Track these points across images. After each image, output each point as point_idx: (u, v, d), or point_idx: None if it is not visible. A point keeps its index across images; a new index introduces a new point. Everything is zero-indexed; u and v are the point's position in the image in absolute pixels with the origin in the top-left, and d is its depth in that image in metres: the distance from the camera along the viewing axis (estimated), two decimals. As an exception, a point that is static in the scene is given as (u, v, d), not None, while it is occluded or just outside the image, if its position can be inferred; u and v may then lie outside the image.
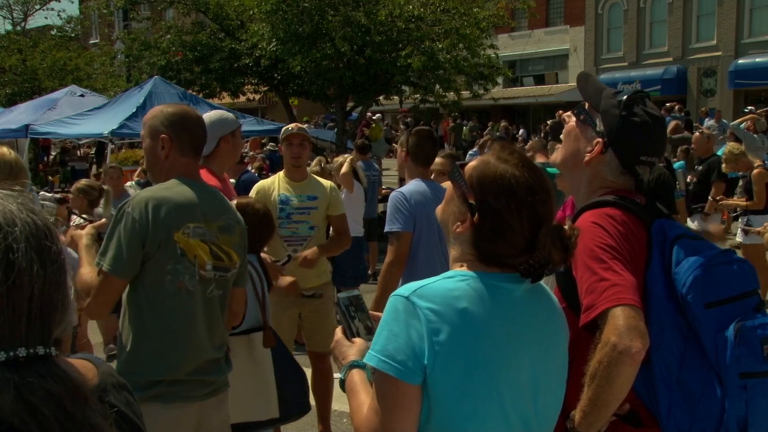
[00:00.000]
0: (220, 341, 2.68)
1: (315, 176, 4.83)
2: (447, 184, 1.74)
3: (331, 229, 4.83)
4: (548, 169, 7.39)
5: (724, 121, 17.26)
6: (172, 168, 2.60)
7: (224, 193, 3.77)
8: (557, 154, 2.07)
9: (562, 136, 2.06)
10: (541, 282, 1.63)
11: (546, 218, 1.57)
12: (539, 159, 8.34)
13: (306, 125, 13.86)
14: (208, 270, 2.54)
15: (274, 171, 11.16)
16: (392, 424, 1.55)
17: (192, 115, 2.68)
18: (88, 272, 2.53)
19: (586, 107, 2.00)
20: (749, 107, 17.71)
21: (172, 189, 2.53)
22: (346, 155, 7.62)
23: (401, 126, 24.34)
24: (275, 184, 4.57)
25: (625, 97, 1.93)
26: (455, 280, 1.56)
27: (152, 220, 2.42)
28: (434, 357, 1.50)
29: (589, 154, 1.96)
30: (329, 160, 9.03)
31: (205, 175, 3.85)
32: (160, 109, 2.69)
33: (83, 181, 6.37)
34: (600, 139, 1.94)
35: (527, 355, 1.55)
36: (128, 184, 9.04)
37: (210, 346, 2.60)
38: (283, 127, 4.93)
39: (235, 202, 3.44)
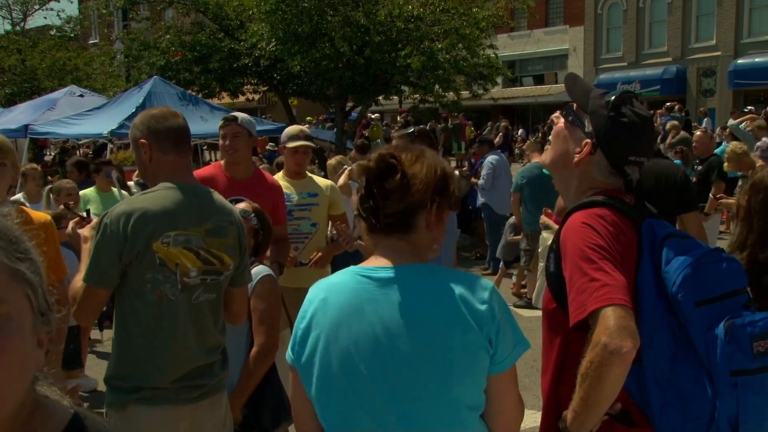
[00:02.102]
0: (214, 345, 2.65)
1: (313, 176, 4.87)
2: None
3: (330, 227, 4.85)
4: (545, 171, 7.37)
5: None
6: (159, 169, 2.60)
7: (244, 192, 3.79)
8: (546, 155, 2.08)
9: (550, 137, 2.07)
10: (445, 271, 1.70)
11: None
12: (535, 159, 8.37)
13: (306, 125, 13.88)
14: (192, 277, 2.53)
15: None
16: (292, 404, 1.78)
17: (165, 112, 2.66)
18: (77, 279, 2.56)
19: (575, 108, 2.01)
20: (749, 107, 17.71)
21: (153, 198, 2.51)
22: (338, 156, 7.61)
23: (398, 125, 24.22)
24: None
25: (612, 97, 1.94)
26: (346, 272, 1.71)
27: (128, 233, 2.42)
28: (296, 341, 1.71)
29: (578, 155, 1.96)
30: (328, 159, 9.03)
31: (217, 168, 4.08)
32: (137, 117, 2.70)
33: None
34: (589, 140, 1.95)
35: (399, 346, 1.61)
36: (129, 183, 9.09)
37: (200, 353, 2.58)
38: (282, 126, 5.01)
39: (243, 205, 3.43)
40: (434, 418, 1.62)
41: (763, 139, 10.43)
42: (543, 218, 6.54)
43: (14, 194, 6.61)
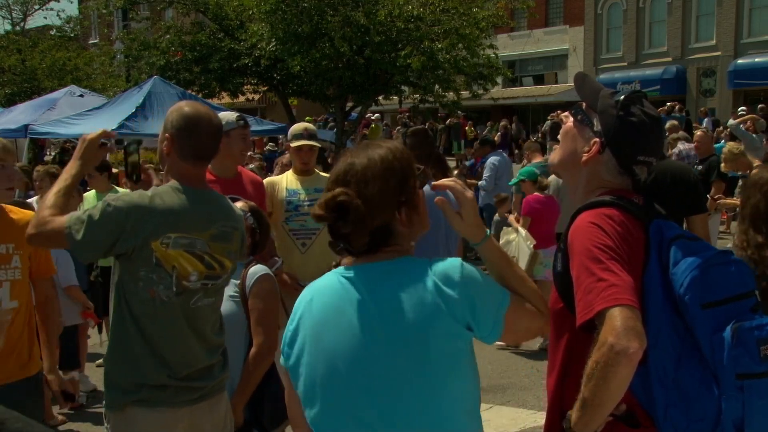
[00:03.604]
0: (215, 346, 2.65)
1: (321, 173, 4.88)
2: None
3: None
4: (533, 171, 7.55)
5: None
6: (172, 168, 2.58)
7: (231, 190, 3.77)
8: (555, 155, 2.07)
9: (559, 136, 2.06)
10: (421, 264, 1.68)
11: None
12: (536, 159, 8.40)
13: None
14: (192, 281, 2.51)
15: (272, 171, 11.16)
16: (287, 403, 1.80)
17: (204, 120, 2.55)
18: (52, 206, 2.43)
19: (584, 107, 2.01)
20: (742, 108, 17.70)
21: (159, 197, 2.49)
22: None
23: (399, 126, 24.24)
24: (283, 178, 4.69)
25: (622, 97, 1.93)
26: (331, 273, 1.72)
27: (128, 226, 2.39)
28: (286, 342, 1.73)
29: (586, 155, 1.95)
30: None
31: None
32: (180, 105, 2.62)
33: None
34: (597, 139, 1.94)
35: (377, 343, 1.62)
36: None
37: (201, 356, 2.57)
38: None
39: (239, 204, 3.40)
40: (417, 416, 1.62)
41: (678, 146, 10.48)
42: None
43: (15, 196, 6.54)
